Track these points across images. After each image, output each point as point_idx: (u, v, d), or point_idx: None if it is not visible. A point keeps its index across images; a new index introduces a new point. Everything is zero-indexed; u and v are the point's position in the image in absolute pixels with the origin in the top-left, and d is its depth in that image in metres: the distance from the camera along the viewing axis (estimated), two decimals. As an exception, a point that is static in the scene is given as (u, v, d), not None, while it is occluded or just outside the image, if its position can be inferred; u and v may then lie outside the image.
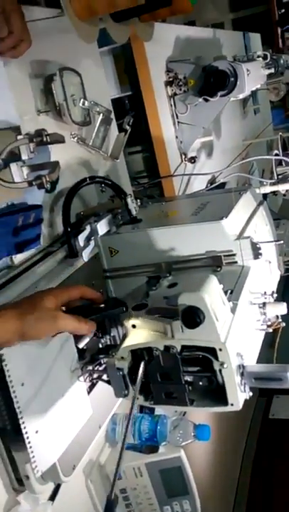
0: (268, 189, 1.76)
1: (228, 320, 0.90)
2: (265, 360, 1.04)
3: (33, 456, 0.94)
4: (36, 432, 0.95)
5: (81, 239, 1.11)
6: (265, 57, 2.19)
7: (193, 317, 0.84)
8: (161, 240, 1.16)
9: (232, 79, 1.80)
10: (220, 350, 0.87)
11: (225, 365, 0.87)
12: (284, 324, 1.08)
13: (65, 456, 1.04)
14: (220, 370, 0.88)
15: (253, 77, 1.95)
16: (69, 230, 1.17)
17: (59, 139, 1.06)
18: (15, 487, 1.04)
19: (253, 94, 3.16)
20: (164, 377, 0.94)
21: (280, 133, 1.90)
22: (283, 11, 4.81)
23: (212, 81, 1.78)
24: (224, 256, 1.10)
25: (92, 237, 1.15)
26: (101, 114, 1.39)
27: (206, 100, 1.80)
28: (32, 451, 0.94)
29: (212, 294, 0.87)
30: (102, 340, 1.24)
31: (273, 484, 3.43)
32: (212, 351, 0.88)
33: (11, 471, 1.03)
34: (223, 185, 1.99)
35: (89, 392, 1.15)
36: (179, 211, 1.25)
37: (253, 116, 3.31)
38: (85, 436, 1.13)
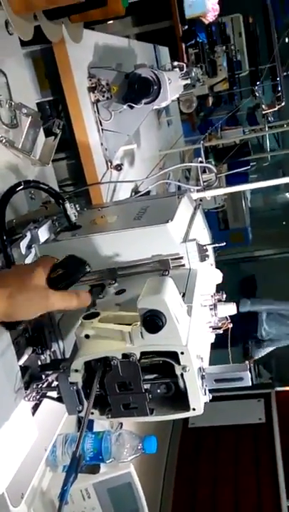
0: (195, 196, 1.79)
1: (186, 323, 0.88)
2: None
3: (-20, 490, 0.84)
4: (-18, 461, 0.85)
5: (22, 246, 1.03)
6: (181, 68, 2.24)
7: (156, 321, 0.81)
8: (104, 245, 1.11)
9: (155, 87, 1.82)
10: (182, 353, 0.84)
11: (187, 369, 0.85)
12: (231, 325, 1.08)
13: (12, 484, 0.94)
14: (181, 375, 0.86)
15: (173, 87, 1.99)
16: (4, 238, 1.08)
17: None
18: None
19: (166, 105, 3.24)
20: (121, 387, 0.89)
21: (202, 141, 1.95)
22: (186, 27, 5.00)
23: (136, 88, 1.78)
24: (171, 259, 1.08)
25: (33, 245, 1.07)
26: (30, 117, 1.32)
27: (131, 107, 1.80)
28: (-22, 484, 0.84)
29: (171, 297, 0.84)
30: (42, 357, 1.16)
31: (197, 490, 3.48)
32: (172, 355, 0.86)
33: None
34: (148, 193, 1.99)
35: (33, 413, 1.07)
36: (120, 216, 1.22)
37: (166, 128, 3.39)
38: (30, 461, 1.04)
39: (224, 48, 4.96)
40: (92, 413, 0.91)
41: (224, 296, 1.07)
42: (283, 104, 3.08)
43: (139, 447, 1.31)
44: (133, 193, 2.15)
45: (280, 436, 3.92)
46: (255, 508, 3.19)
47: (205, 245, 1.07)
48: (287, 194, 11.77)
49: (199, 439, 3.79)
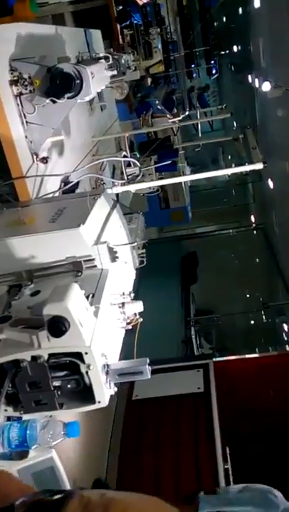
0: (119, 189, 1.85)
1: (91, 324, 0.96)
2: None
3: None
4: None
5: None
6: (107, 59, 2.26)
7: (59, 326, 0.88)
8: (20, 248, 1.16)
9: (78, 81, 1.84)
10: (86, 353, 0.92)
11: (91, 367, 0.93)
12: (142, 319, 1.17)
13: None
14: (86, 372, 0.94)
15: (97, 79, 2.01)
16: None
17: None
18: None
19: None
20: (32, 385, 0.96)
21: (126, 134, 2.00)
22: (121, 7, 4.95)
23: (58, 83, 1.79)
24: (84, 261, 1.15)
25: None
26: None
27: (54, 102, 1.81)
28: None
29: (75, 302, 0.91)
30: None
31: (141, 457, 3.65)
32: (78, 355, 0.94)
33: None
34: (77, 184, 2.03)
35: None
36: (37, 218, 1.26)
37: (100, 113, 3.39)
38: None
39: (159, 30, 4.97)
40: (6, 410, 0.98)
41: (132, 295, 1.16)
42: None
43: (63, 433, 1.38)
44: (62, 184, 2.17)
45: (217, 403, 4.16)
46: (194, 471, 3.39)
47: (113, 246, 1.15)
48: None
49: (143, 410, 3.95)
